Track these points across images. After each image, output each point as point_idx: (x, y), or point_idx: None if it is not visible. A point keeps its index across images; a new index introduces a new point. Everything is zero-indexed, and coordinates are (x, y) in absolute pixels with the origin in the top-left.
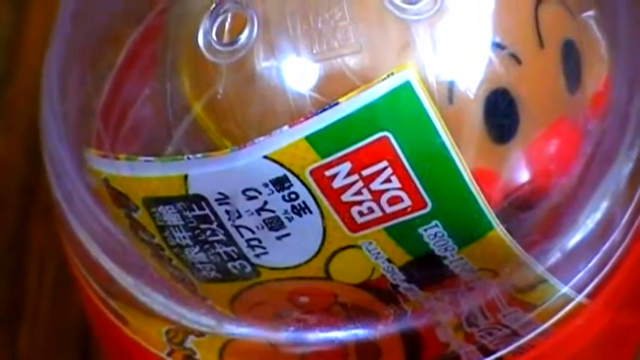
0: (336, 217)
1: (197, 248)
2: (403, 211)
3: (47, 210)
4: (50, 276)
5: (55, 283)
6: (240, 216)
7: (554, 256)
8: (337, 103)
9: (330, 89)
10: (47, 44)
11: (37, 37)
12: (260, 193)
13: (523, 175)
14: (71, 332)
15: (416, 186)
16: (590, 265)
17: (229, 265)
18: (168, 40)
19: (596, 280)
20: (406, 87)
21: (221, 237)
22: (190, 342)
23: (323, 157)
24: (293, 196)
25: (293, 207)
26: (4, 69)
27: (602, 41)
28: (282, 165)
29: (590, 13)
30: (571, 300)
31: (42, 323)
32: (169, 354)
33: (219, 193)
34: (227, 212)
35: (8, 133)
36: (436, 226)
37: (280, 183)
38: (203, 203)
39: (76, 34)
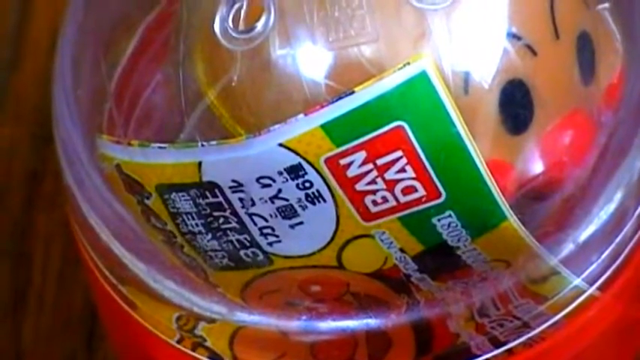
0: (349, 206)
1: (209, 236)
2: (417, 201)
3: (52, 197)
4: (55, 263)
5: (59, 270)
6: (253, 204)
7: (567, 248)
8: (353, 92)
9: (346, 78)
10: (54, 31)
11: (44, 25)
12: (274, 181)
13: (537, 166)
14: (76, 319)
15: (430, 176)
16: (603, 257)
17: (242, 253)
18: (181, 26)
19: (608, 273)
20: (422, 77)
21: (234, 225)
22: (201, 329)
23: (338, 145)
24: (307, 184)
25: (307, 195)
26: (11, 56)
27: (616, 33)
28: (297, 153)
29: (605, 5)
30: (583, 292)
31: (47, 310)
32: (179, 341)
33: (233, 181)
34: (240, 200)
35: (14, 120)
36: (450, 216)
37: (295, 171)
38: (216, 190)
39: (88, 20)
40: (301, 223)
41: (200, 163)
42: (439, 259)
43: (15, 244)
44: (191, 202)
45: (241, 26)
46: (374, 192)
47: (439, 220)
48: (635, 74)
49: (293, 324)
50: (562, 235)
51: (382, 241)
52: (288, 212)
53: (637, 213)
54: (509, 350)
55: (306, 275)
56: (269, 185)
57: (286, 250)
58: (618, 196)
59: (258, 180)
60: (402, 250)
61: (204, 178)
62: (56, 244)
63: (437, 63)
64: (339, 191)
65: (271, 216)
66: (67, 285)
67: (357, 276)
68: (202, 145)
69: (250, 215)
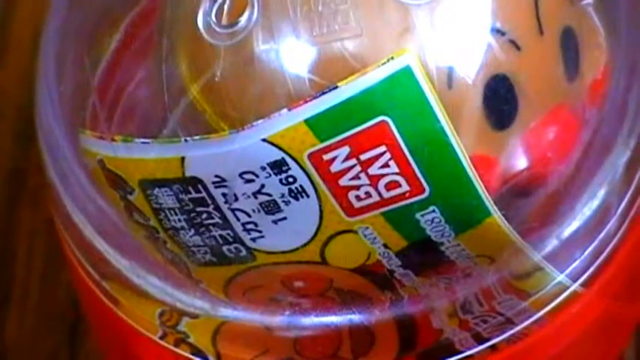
0: (333, 201)
1: (192, 231)
2: (401, 196)
3: (36, 194)
4: (38, 260)
5: (43, 267)
6: (236, 199)
7: (551, 244)
8: (336, 87)
9: (330, 72)
10: (37, 27)
11: (26, 21)
12: (257, 176)
13: (521, 162)
14: (60, 316)
15: (414, 171)
16: (586, 253)
17: (224, 248)
18: (164, 21)
19: (591, 269)
20: (406, 72)
21: (217, 220)
22: (184, 325)
23: (322, 140)
24: (290, 179)
25: (290, 190)
26: None
27: (600, 29)
28: (280, 148)
29: (590, 0)
30: (566, 288)
31: (30, 307)
32: (162, 337)
33: (216, 176)
34: (224, 195)
35: None
36: (434, 211)
37: (278, 166)
38: (200, 186)
39: (72, 16)
40: (284, 218)
41: (183, 159)
42: (423, 255)
43: None
44: (174, 197)
45: (224, 21)
46: (357, 187)
47: (423, 215)
48: (619, 70)
49: (276, 319)
50: (546, 231)
51: (366, 236)
52: (271, 207)
53: (620, 210)
54: (492, 346)
55: (289, 271)
56: (252, 180)
57: (269, 246)
58: (602, 193)
59: (241, 175)
60: (385, 246)
61: (188, 174)
62: (40, 241)
63: (421, 58)
64: (322, 186)
65: (254, 211)
66: (51, 281)
67: (341, 271)
68: (185, 141)
69: (233, 210)
